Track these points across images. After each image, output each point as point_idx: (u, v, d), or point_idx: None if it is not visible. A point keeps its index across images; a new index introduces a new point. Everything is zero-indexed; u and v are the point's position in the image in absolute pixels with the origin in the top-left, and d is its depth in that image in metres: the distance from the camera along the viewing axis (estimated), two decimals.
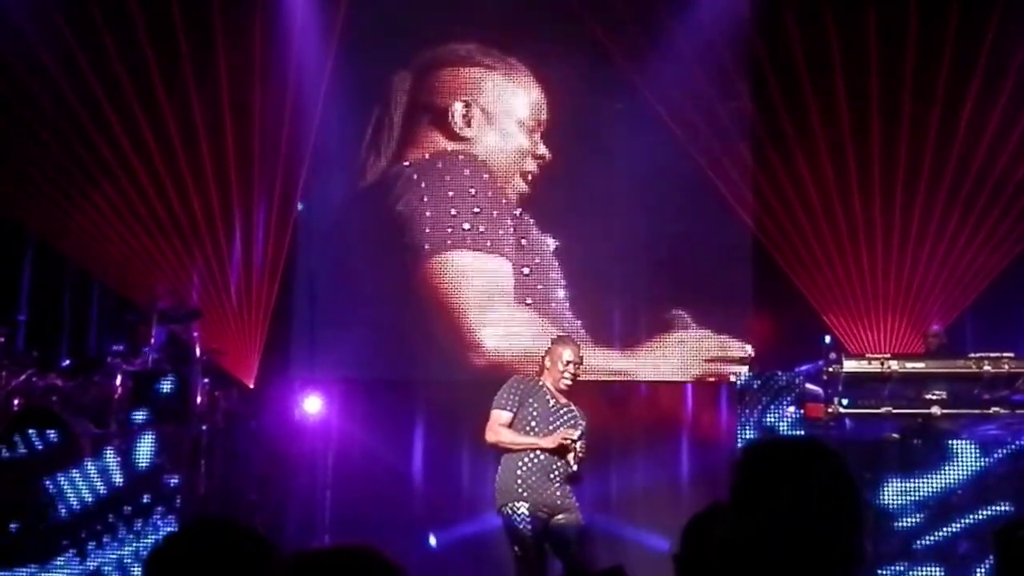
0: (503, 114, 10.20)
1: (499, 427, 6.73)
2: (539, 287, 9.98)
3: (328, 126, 10.05)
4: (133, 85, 9.64)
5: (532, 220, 10.02)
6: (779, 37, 9.73)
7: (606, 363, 9.75)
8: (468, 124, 10.15)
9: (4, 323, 8.31)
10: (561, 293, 9.97)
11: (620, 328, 9.91)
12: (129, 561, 7.24)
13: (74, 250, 9.77)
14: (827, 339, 8.22)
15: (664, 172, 9.85)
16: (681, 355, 9.84)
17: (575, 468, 6.64)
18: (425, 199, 10.04)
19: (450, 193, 10.05)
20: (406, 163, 10.13)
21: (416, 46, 10.26)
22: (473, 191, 10.04)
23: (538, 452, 6.64)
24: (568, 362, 6.89)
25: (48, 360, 8.58)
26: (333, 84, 10.02)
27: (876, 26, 9.58)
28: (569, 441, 6.60)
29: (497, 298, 9.94)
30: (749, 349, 9.56)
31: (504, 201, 10.06)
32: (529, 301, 9.94)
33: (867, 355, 7.64)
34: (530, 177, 10.06)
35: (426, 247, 9.98)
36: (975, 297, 9.64)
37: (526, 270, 9.98)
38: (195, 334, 8.75)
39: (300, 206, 10.06)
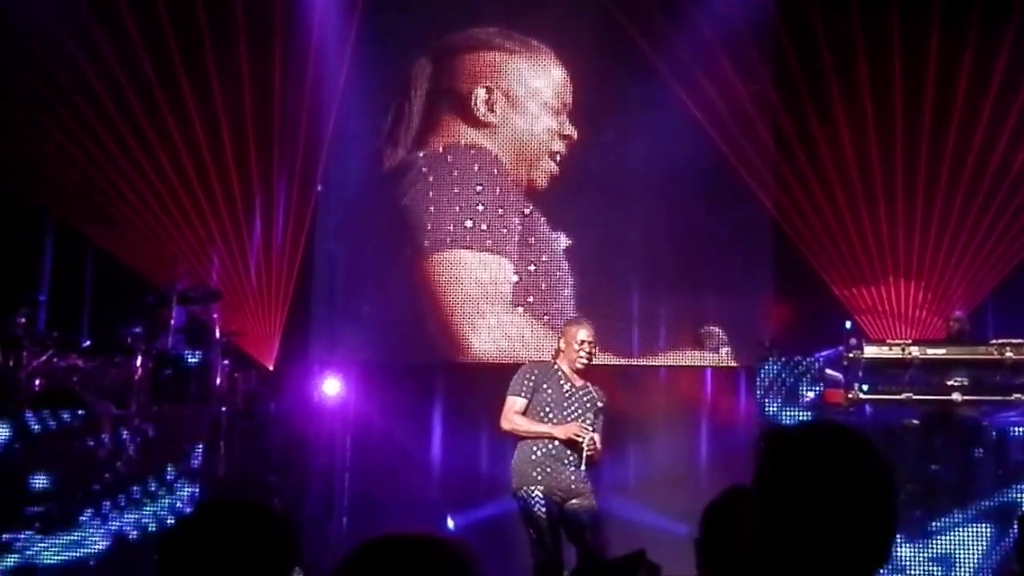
0: (527, 96, 10.14)
1: (513, 414, 6.74)
2: (543, 285, 9.90)
3: (349, 108, 10.04)
4: (155, 69, 9.64)
5: (543, 216, 9.95)
6: (802, 22, 9.66)
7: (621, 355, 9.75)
8: (491, 109, 10.09)
9: (25, 303, 8.33)
10: (567, 291, 9.89)
11: (638, 313, 9.87)
12: (152, 527, 7.29)
13: (95, 231, 9.79)
14: (848, 324, 8.19)
15: (685, 158, 9.80)
16: (699, 339, 9.80)
17: (583, 467, 6.62)
18: (431, 194, 10.00)
19: (455, 189, 9.98)
20: (420, 154, 10.08)
21: (437, 32, 10.22)
22: (480, 188, 9.98)
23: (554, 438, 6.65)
24: (583, 341, 6.87)
25: (69, 341, 8.60)
26: (354, 67, 10.02)
27: (899, 11, 9.51)
28: (580, 438, 6.59)
29: (492, 300, 9.88)
30: (769, 334, 9.52)
31: (513, 197, 10.00)
32: (531, 300, 9.87)
33: (888, 341, 7.61)
34: (559, 158, 9.99)
35: (426, 244, 9.93)
36: (997, 283, 9.58)
37: (532, 267, 9.92)
38: (215, 315, 8.79)
39: (320, 187, 10.07)
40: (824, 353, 7.65)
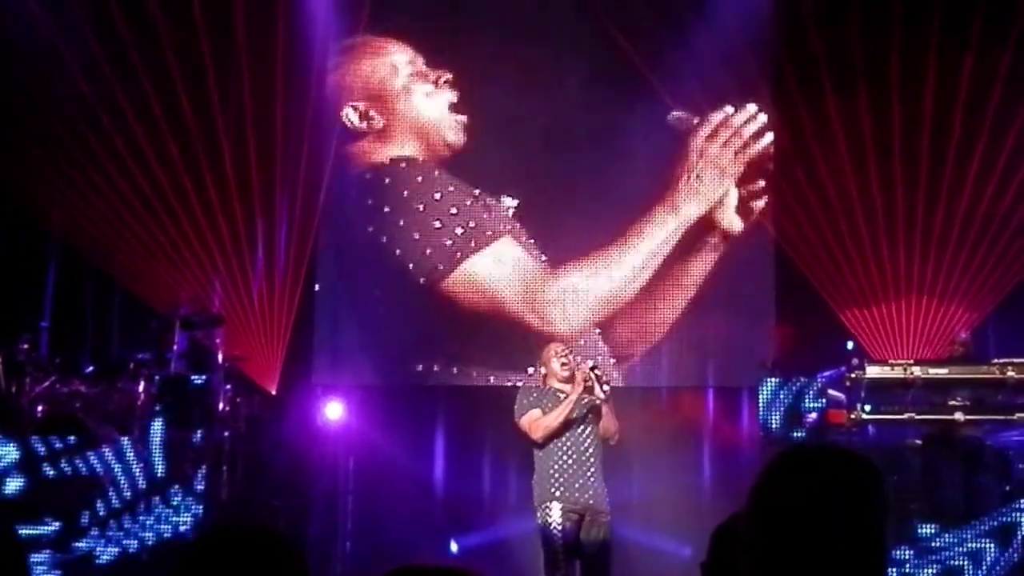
0: (383, 82, 10.03)
1: (536, 421, 6.85)
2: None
3: (351, 131, 10.04)
4: (156, 92, 9.67)
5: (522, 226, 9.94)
6: (801, 41, 9.69)
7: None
8: (369, 118, 10.02)
9: (27, 330, 8.35)
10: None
11: (640, 336, 9.88)
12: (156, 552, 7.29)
13: (97, 257, 9.80)
14: (850, 345, 8.20)
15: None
16: (702, 361, 9.82)
17: (603, 393, 6.87)
18: (402, 223, 9.82)
19: (420, 207, 9.84)
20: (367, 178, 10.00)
21: (431, 49, 10.16)
22: (438, 196, 9.87)
23: (569, 448, 6.78)
24: (556, 353, 7.16)
25: (71, 367, 8.61)
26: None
27: (898, 30, 9.54)
28: (591, 375, 6.86)
29: (530, 275, 9.81)
30: (771, 355, 9.51)
31: (473, 190, 9.86)
32: (544, 259, 9.82)
33: (890, 361, 7.64)
34: (456, 98, 9.90)
35: (440, 267, 9.77)
36: (998, 302, 9.58)
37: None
38: (217, 340, 8.79)
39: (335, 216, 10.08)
40: (826, 373, 7.65)
